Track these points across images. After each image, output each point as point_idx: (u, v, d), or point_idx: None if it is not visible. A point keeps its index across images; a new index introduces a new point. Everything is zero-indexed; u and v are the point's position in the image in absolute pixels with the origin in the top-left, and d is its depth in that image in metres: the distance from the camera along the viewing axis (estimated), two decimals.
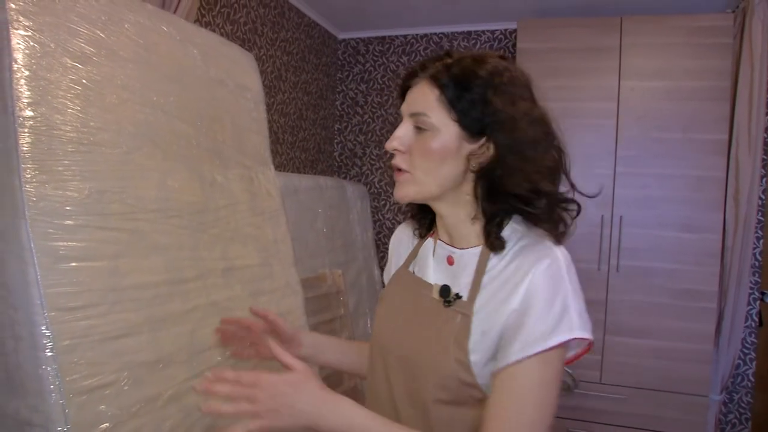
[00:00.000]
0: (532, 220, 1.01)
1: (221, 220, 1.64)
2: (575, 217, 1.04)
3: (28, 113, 1.16)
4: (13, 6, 1.18)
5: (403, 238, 1.29)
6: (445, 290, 1.04)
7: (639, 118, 3.12)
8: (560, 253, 0.97)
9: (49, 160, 1.18)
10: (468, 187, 1.03)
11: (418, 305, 1.09)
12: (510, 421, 0.91)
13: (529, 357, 0.90)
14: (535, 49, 3.26)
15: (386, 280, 1.29)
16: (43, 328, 1.11)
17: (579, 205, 1.04)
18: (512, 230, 1.02)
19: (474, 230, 1.05)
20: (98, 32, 1.36)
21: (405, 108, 1.05)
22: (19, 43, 1.18)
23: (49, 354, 1.11)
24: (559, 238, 1.00)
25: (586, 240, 3.20)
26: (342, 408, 0.93)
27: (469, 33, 3.90)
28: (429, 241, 1.17)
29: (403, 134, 1.03)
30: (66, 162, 1.21)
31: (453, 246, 1.08)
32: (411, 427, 0.96)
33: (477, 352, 0.96)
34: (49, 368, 1.11)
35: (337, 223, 3.44)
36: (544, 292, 0.93)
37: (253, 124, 1.91)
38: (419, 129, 1.00)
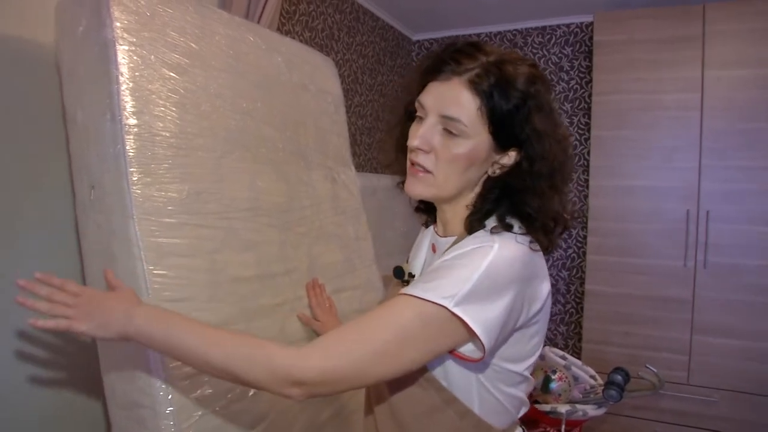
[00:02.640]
0: (526, 226, 1.01)
1: (306, 218, 1.72)
2: (560, 235, 1.05)
3: (133, 121, 1.27)
4: (118, 25, 1.29)
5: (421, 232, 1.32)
6: (398, 271, 1.11)
7: (725, 108, 3.01)
8: (514, 247, 0.96)
9: (152, 164, 1.28)
10: (478, 187, 1.05)
11: (393, 292, 1.14)
12: (358, 328, 0.94)
13: (410, 295, 0.92)
14: (613, 41, 3.20)
15: None
16: None
17: (565, 228, 1.05)
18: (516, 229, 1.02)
19: (463, 220, 1.06)
20: (192, 44, 1.47)
21: (432, 104, 0.99)
22: (123, 58, 1.28)
23: None
24: (540, 246, 1.01)
25: (670, 236, 3.11)
26: (157, 312, 1.01)
27: (544, 28, 3.86)
28: (428, 231, 1.20)
29: (429, 134, 0.98)
30: (167, 165, 1.31)
31: (443, 235, 1.11)
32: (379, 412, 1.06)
33: None
34: (156, 355, 1.20)
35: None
36: (463, 257, 0.93)
37: (334, 127, 1.98)
38: (448, 132, 0.97)
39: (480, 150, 0.98)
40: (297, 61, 1.86)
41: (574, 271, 3.78)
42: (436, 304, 0.89)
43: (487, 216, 1.02)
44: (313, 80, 1.93)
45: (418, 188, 1.02)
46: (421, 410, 1.01)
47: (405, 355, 0.91)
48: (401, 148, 1.11)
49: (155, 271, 1.23)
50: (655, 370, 2.39)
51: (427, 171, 1.00)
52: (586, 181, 3.47)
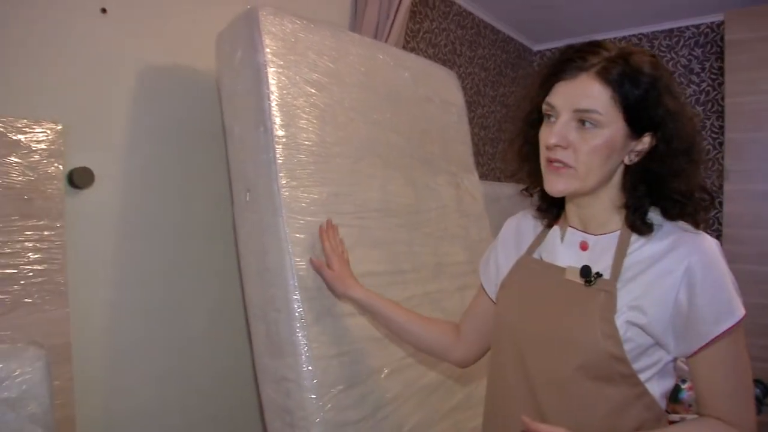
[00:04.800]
0: (673, 212, 1.03)
1: (432, 220, 1.85)
2: (709, 211, 1.05)
3: (281, 132, 1.45)
4: (268, 50, 1.49)
5: (521, 227, 1.28)
6: (585, 270, 1.04)
7: None
8: (711, 238, 1.00)
9: (298, 170, 1.46)
10: (617, 177, 1.05)
11: (552, 288, 1.10)
12: (738, 389, 0.98)
13: (722, 334, 0.94)
14: (746, 39, 3.06)
15: (484, 269, 1.32)
16: (296, 304, 1.39)
17: (713, 198, 1.05)
18: (653, 217, 1.04)
19: (613, 217, 1.07)
20: (330, 64, 1.65)
21: (562, 102, 1.00)
22: (273, 78, 1.48)
23: (301, 325, 1.38)
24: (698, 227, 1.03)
25: None
26: None
27: (671, 31, 3.75)
28: (555, 229, 1.17)
29: (564, 130, 0.99)
30: (309, 171, 1.49)
31: (587, 232, 1.10)
32: (550, 406, 1.04)
33: (624, 326, 0.98)
34: (301, 336, 1.37)
35: None
36: (713, 276, 0.96)
37: (457, 135, 2.10)
38: (583, 124, 0.98)
39: (616, 138, 0.99)
40: (422, 76, 2.01)
41: None
42: (743, 316, 0.96)
43: (645, 213, 1.04)
44: (438, 93, 2.06)
45: (560, 184, 1.02)
46: (611, 406, 1.01)
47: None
48: (526, 156, 1.16)
49: (300, 263, 1.41)
50: (762, 380, 2.28)
51: (568, 166, 1.00)
52: (721, 186, 3.33)
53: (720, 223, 3.22)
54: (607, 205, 1.07)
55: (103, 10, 1.56)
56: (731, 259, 3.05)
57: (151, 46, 1.68)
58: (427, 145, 1.93)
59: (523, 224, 1.27)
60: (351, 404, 1.43)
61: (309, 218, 1.46)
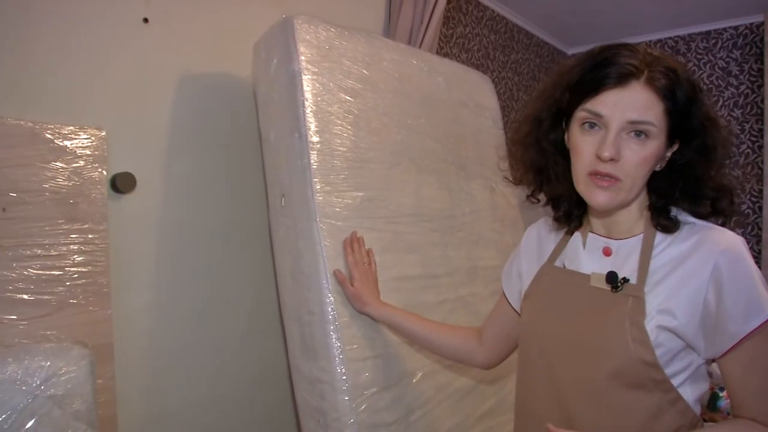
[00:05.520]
0: (703, 212, 1.02)
1: (466, 225, 1.86)
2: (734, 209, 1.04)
3: (315, 138, 1.48)
4: (303, 58, 1.51)
5: (542, 235, 1.26)
6: (612, 276, 1.02)
7: None
8: (734, 234, 0.98)
9: (332, 175, 1.49)
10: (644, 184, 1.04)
11: (577, 295, 1.08)
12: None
13: (752, 332, 0.92)
14: None
15: (506, 278, 1.31)
16: (329, 307, 1.41)
17: (732, 199, 1.03)
18: (677, 215, 1.03)
19: (638, 221, 1.06)
20: (364, 71, 1.67)
21: (612, 111, 0.96)
22: (308, 86, 1.50)
23: (334, 327, 1.40)
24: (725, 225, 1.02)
25: None
26: None
27: (708, 33, 3.67)
28: (576, 236, 1.15)
29: (618, 142, 0.96)
30: (343, 176, 1.51)
31: (610, 238, 1.09)
32: (582, 415, 1.02)
33: (655, 331, 0.97)
34: (334, 338, 1.39)
35: None
36: (740, 273, 0.94)
37: (492, 140, 2.11)
38: (636, 136, 0.96)
39: (661, 148, 0.98)
40: (456, 80, 2.02)
41: None
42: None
43: (669, 211, 1.04)
44: (472, 97, 2.07)
45: (607, 198, 0.99)
46: (647, 414, 0.99)
47: None
48: (540, 161, 1.13)
49: (333, 267, 1.43)
50: None
51: (617, 179, 0.97)
52: (760, 191, 3.26)
53: (759, 228, 3.15)
54: (633, 211, 1.06)
55: (145, 20, 1.61)
56: None
57: (190, 55, 1.73)
58: (462, 149, 1.94)
59: (544, 232, 1.26)
60: (384, 407, 1.44)
61: (342, 223, 1.48)
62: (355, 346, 1.42)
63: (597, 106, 0.98)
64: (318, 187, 1.45)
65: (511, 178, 1.23)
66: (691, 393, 1.01)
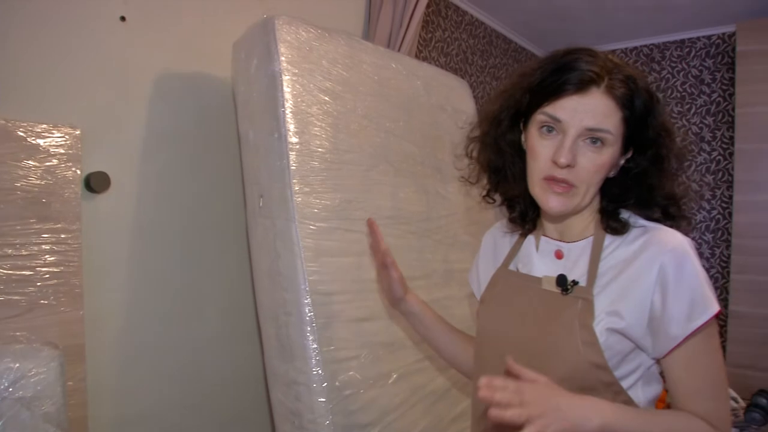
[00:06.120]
0: (654, 216, 1.03)
1: (442, 227, 1.87)
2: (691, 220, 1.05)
3: (295, 139, 1.47)
4: (284, 59, 1.51)
5: (497, 239, 1.26)
6: (562, 279, 1.02)
7: None
8: (681, 235, 0.98)
9: (311, 176, 1.48)
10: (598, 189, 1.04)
11: (530, 299, 1.08)
12: (713, 387, 0.97)
13: (695, 331, 0.93)
14: (757, 51, 3.05)
15: (473, 282, 1.30)
16: (307, 308, 1.40)
17: (680, 207, 1.05)
18: (628, 217, 1.04)
19: (588, 224, 1.06)
20: (343, 73, 1.67)
21: (571, 117, 0.96)
22: (288, 87, 1.50)
23: (311, 329, 1.39)
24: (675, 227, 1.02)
25: None
26: (601, 406, 0.91)
27: (683, 41, 3.75)
28: (529, 239, 1.15)
29: (574, 148, 0.96)
30: (322, 177, 1.51)
31: (562, 241, 1.09)
32: None
33: (604, 333, 0.97)
34: (311, 339, 1.39)
35: None
36: (685, 274, 0.94)
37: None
38: (592, 143, 0.96)
39: (616, 156, 0.99)
40: (434, 84, 2.03)
41: (718, 291, 3.60)
42: (716, 312, 0.94)
43: (618, 213, 1.05)
44: (450, 101, 2.08)
45: (564, 204, 0.99)
46: None
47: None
48: (497, 162, 1.12)
49: (312, 268, 1.43)
50: None
51: (572, 185, 0.98)
52: (731, 197, 3.33)
53: (729, 233, 3.21)
54: (585, 215, 1.06)
55: (123, 18, 1.59)
56: (741, 270, 3.02)
57: (168, 54, 1.71)
58: (439, 152, 1.95)
59: (499, 236, 1.26)
60: (360, 408, 1.44)
61: (321, 224, 1.48)
62: (332, 347, 1.42)
63: (556, 110, 0.97)
64: (297, 188, 1.45)
65: (467, 177, 1.20)
66: (643, 395, 1.01)
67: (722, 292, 3.53)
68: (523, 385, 0.90)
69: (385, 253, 1.29)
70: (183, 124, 1.76)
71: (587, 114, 0.95)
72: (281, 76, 1.49)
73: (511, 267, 1.17)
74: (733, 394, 2.58)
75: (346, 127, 1.62)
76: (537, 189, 1.02)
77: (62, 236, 1.40)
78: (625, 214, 1.04)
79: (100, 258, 1.55)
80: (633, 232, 1.02)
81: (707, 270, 3.53)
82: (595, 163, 0.96)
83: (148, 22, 1.65)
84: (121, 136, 1.61)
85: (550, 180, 0.99)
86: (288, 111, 1.48)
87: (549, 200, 1.00)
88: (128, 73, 1.62)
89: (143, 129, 1.66)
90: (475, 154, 1.17)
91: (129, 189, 1.62)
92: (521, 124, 1.07)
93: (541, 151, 1.00)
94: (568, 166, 0.96)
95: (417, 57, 2.85)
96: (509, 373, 0.95)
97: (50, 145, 1.39)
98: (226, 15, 1.84)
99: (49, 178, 1.39)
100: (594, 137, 0.96)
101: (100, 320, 1.54)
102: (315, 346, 1.39)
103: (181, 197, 1.75)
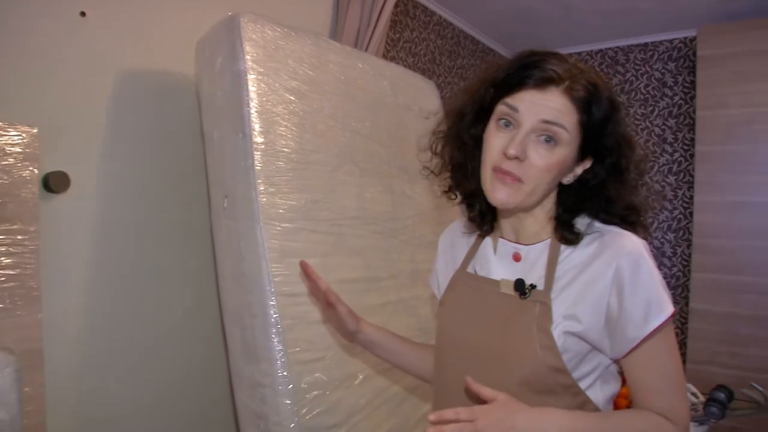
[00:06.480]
0: (610, 222, 1.04)
1: (409, 228, 1.87)
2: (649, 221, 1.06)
3: (260, 139, 1.46)
4: (249, 58, 1.49)
5: (455, 240, 1.26)
6: (519, 283, 1.03)
7: None
8: (636, 238, 0.99)
9: (276, 176, 1.47)
10: (552, 194, 1.05)
11: (488, 302, 1.08)
12: (672, 385, 0.98)
13: (652, 332, 0.94)
14: (717, 55, 3.13)
15: (434, 284, 1.30)
16: (272, 310, 1.39)
17: (640, 216, 1.06)
18: (582, 222, 1.04)
19: (545, 227, 1.06)
20: (309, 72, 1.66)
21: (528, 109, 0.96)
22: (253, 86, 1.48)
23: (276, 330, 1.38)
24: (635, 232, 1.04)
25: None
26: (558, 416, 0.93)
27: (646, 45, 3.82)
28: (487, 241, 1.15)
29: (525, 142, 0.96)
30: (287, 178, 1.50)
31: (519, 243, 1.08)
32: None
33: (562, 336, 0.97)
34: (276, 341, 1.38)
35: None
36: (640, 276, 0.95)
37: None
38: (546, 140, 0.96)
39: (570, 159, 0.99)
40: (401, 84, 2.03)
41: (679, 290, 3.68)
42: (672, 313, 0.95)
43: (572, 222, 1.05)
44: (416, 101, 2.08)
45: (508, 197, 0.98)
46: None
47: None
48: (459, 156, 1.11)
49: (277, 269, 1.41)
50: (761, 389, 2.32)
51: (519, 180, 0.97)
52: (691, 197, 3.40)
53: (690, 233, 3.28)
54: (540, 218, 1.06)
55: (83, 14, 1.55)
56: (702, 269, 3.08)
57: (130, 51, 1.68)
58: (405, 152, 1.95)
59: (457, 236, 1.25)
60: (325, 410, 1.43)
61: (286, 225, 1.46)
62: (297, 349, 1.41)
63: (515, 101, 0.98)
64: (262, 189, 1.43)
65: (431, 169, 1.19)
66: (601, 394, 1.02)
67: (683, 290, 3.60)
68: (476, 410, 0.92)
69: (328, 292, 1.27)
70: (146, 123, 1.72)
71: (543, 108, 0.95)
72: (246, 75, 1.48)
73: (469, 269, 1.16)
74: (693, 389, 2.62)
75: (312, 127, 1.61)
76: (486, 180, 1.01)
77: (18, 237, 1.36)
78: (581, 219, 1.04)
79: (60, 260, 1.51)
80: (589, 235, 1.02)
81: (669, 268, 3.64)
82: (545, 161, 0.96)
83: (109, 17, 1.61)
84: (82, 134, 1.57)
85: (498, 171, 0.98)
86: (253, 110, 1.46)
87: (495, 191, 0.99)
88: (88, 70, 1.58)
89: (104, 128, 1.62)
90: (438, 149, 1.16)
91: (89, 189, 1.59)
92: (485, 120, 1.06)
93: (495, 142, 1.00)
94: (517, 158, 0.95)
95: (384, 57, 2.84)
96: (468, 391, 0.96)
97: (6, 144, 1.35)
98: (190, 12, 1.81)
99: (5, 178, 1.34)
100: (548, 134, 0.96)
101: (59, 323, 1.51)
102: (280, 347, 1.38)
103: (143, 198, 1.72)
